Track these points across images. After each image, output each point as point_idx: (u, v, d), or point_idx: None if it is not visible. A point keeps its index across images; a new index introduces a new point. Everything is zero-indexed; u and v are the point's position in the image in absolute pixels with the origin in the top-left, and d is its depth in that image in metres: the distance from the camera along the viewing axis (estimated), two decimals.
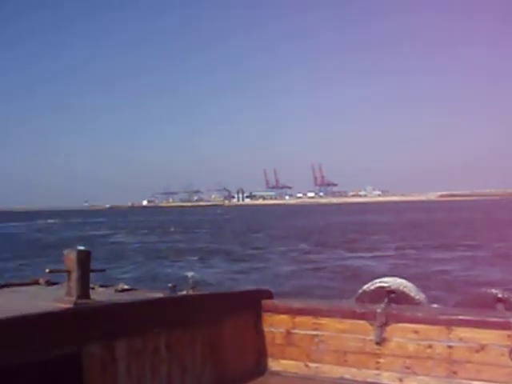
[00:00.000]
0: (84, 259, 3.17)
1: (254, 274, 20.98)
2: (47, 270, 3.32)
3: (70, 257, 3.15)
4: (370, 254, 26.15)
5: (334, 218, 67.98)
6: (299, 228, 49.25)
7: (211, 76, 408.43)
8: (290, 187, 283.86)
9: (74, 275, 3.13)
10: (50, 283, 4.07)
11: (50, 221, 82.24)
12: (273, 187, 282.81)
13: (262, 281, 17.76)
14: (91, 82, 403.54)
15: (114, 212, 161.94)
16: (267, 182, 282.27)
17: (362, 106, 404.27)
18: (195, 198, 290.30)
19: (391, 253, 26.79)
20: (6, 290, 3.90)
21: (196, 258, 26.36)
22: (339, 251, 27.89)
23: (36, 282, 4.13)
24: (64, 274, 3.24)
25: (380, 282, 3.98)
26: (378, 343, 3.61)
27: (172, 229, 53.81)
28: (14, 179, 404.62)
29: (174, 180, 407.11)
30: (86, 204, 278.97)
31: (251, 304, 4.03)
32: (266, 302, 4.06)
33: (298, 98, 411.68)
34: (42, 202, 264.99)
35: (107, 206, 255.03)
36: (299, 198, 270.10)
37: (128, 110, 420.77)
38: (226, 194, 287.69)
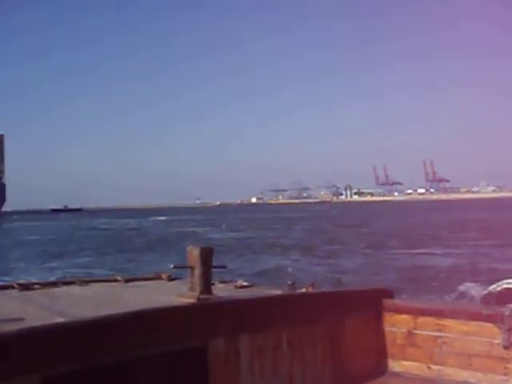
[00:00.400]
0: (206, 256, 3.24)
1: (322, 267, 21.39)
2: (172, 266, 3.45)
3: (193, 253, 3.23)
4: (447, 251, 25.64)
5: (437, 215, 65.71)
6: (392, 225, 48.41)
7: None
8: (400, 183, 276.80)
9: (197, 271, 3.21)
10: (171, 278, 4.26)
11: (160, 218, 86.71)
12: (383, 183, 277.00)
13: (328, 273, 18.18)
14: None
15: (222, 209, 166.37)
16: (377, 179, 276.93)
17: (476, 94, 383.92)
18: (304, 194, 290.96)
19: (465, 250, 25.99)
20: (130, 284, 4.08)
21: (277, 252, 27.18)
22: (423, 249, 27.26)
23: (159, 277, 4.32)
24: (187, 269, 3.35)
25: (507, 284, 3.74)
26: (505, 347, 3.41)
27: (275, 226, 54.58)
28: (131, 179, 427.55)
29: (284, 177, 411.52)
30: (198, 202, 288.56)
31: (372, 303, 3.95)
32: (386, 301, 3.98)
33: (411, 93, 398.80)
34: (158, 201, 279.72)
35: (217, 203, 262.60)
36: (409, 194, 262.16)
37: (238, 110, 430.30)
38: (334, 190, 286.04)
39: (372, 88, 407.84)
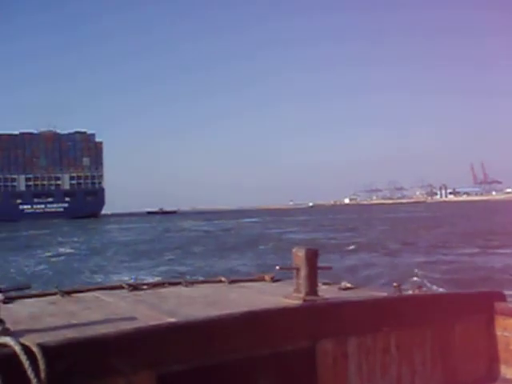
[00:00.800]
0: (312, 257, 3.23)
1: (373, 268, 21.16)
2: (277, 267, 3.47)
3: (299, 254, 3.24)
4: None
5: None
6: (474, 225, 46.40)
7: None
8: (499, 182, 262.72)
9: (303, 272, 3.21)
10: (274, 280, 4.30)
11: (251, 220, 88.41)
12: (480, 182, 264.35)
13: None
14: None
15: (315, 210, 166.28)
16: (474, 177, 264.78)
17: None
18: (398, 195, 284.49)
19: None
20: (235, 285, 4.15)
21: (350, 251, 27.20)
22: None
23: (262, 279, 4.37)
24: (291, 271, 3.38)
25: None
26: None
27: (350, 226, 54.42)
28: (227, 181, 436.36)
29: (378, 177, 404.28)
30: (291, 203, 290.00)
31: (483, 306, 3.76)
32: (499, 305, 3.76)
33: None
34: (253, 203, 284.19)
35: (310, 204, 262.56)
36: (508, 193, 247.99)
37: (340, 108, 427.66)
38: (429, 190, 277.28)
39: (478, 86, 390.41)
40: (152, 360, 2.42)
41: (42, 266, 27.15)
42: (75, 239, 49.61)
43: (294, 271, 3.28)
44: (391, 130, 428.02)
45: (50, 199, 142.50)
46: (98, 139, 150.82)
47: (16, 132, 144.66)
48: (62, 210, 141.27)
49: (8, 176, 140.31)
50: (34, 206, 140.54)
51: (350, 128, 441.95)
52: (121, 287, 3.96)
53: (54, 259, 30.80)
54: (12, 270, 25.29)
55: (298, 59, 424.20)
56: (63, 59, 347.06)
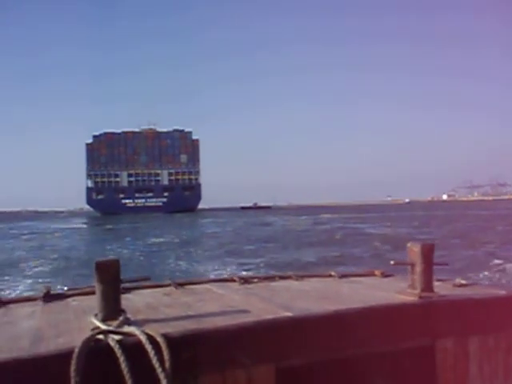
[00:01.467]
0: (428, 252, 3.13)
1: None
2: (392, 262, 3.29)
3: (414, 249, 3.15)
4: None
5: None
6: None
7: None
8: None
9: (418, 268, 3.11)
10: (385, 275, 4.17)
11: (327, 215, 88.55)
12: None
13: None
14: None
15: (410, 206, 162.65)
16: None
17: None
18: (503, 191, 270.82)
19: None
20: (345, 280, 4.06)
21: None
22: None
23: (372, 274, 4.26)
24: (404, 266, 3.27)
25: None
26: None
27: (416, 223, 53.40)
28: (326, 177, 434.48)
29: (479, 173, 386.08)
30: (389, 198, 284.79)
31: None
32: None
33: None
34: (350, 198, 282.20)
35: (406, 200, 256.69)
36: None
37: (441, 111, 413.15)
38: None
39: None
40: (272, 353, 2.44)
41: (133, 254, 29.51)
42: (170, 231, 52.34)
43: (409, 267, 3.19)
44: (494, 121, 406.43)
45: (150, 194, 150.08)
46: (194, 137, 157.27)
47: (119, 131, 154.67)
48: (160, 204, 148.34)
49: (112, 172, 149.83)
50: (135, 201, 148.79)
51: (451, 121, 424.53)
52: (232, 280, 4.03)
53: (146, 249, 33.19)
54: (96, 256, 27.74)
55: None
56: (161, 63, 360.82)
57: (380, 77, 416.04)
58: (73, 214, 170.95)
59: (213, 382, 2.32)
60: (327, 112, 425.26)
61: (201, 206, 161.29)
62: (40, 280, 20.02)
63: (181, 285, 3.88)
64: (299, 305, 2.95)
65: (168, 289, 3.78)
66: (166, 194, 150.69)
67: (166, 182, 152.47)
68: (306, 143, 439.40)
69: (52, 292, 3.58)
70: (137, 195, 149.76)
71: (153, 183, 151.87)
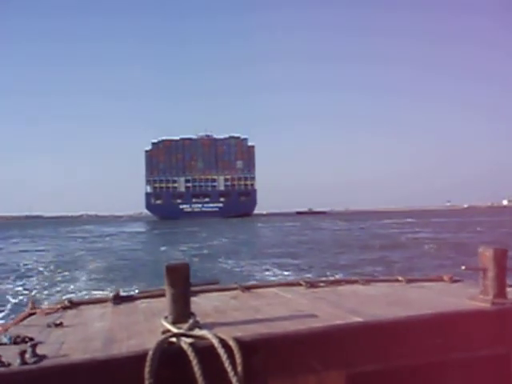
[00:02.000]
0: (501, 257, 3.02)
1: None
2: (463, 268, 3.20)
3: (486, 254, 3.05)
4: None
5: None
6: None
7: None
8: None
9: (490, 273, 3.02)
10: (453, 280, 4.07)
11: (386, 221, 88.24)
12: None
13: None
14: None
15: (468, 212, 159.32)
16: None
17: None
18: None
19: None
20: (413, 285, 4.00)
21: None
22: None
23: (440, 279, 4.16)
24: (472, 272, 3.22)
25: None
26: None
27: (478, 228, 52.79)
28: (383, 182, 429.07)
29: None
30: (448, 204, 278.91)
31: None
32: None
33: None
34: (409, 203, 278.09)
35: (465, 206, 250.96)
36: None
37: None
38: None
39: None
40: (343, 359, 2.41)
41: (186, 255, 31.32)
42: (224, 235, 54.26)
43: (480, 272, 3.10)
44: None
45: (207, 199, 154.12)
46: (250, 143, 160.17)
47: (177, 138, 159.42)
48: (217, 209, 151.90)
49: (170, 178, 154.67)
50: (192, 206, 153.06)
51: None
52: (298, 284, 4.04)
53: (199, 251, 34.79)
54: (160, 258, 29.53)
55: None
56: (216, 72, 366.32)
57: (438, 78, 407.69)
58: (132, 219, 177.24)
59: None
60: (385, 115, 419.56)
61: (257, 211, 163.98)
62: (95, 276, 22.15)
63: (247, 288, 3.94)
64: (368, 310, 2.92)
65: (235, 292, 3.85)
66: (222, 199, 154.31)
67: (222, 188, 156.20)
68: (364, 147, 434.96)
69: (121, 294, 3.74)
70: (194, 200, 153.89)
71: (209, 189, 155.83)
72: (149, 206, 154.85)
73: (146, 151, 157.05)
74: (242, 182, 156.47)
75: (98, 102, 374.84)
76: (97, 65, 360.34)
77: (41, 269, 26.45)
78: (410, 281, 4.14)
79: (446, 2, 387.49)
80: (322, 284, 4.03)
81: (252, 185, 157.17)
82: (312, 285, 3.97)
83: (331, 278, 4.88)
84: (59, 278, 22.06)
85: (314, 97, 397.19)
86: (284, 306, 3.20)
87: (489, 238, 37.02)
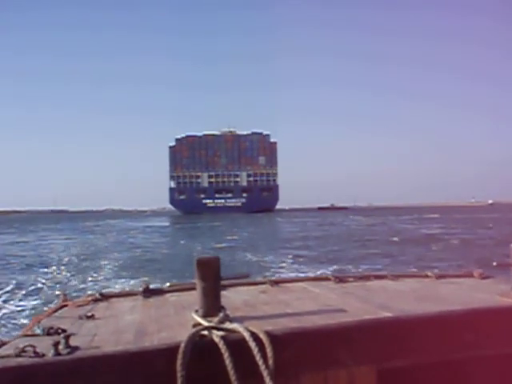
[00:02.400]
0: None
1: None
2: (494, 264, 3.20)
3: None
4: None
5: None
6: None
7: None
8: None
9: None
10: (483, 276, 4.02)
11: (404, 217, 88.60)
12: None
13: None
14: None
15: (492, 209, 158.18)
16: None
17: None
18: None
19: None
20: (442, 281, 3.95)
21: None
22: None
23: (470, 275, 4.12)
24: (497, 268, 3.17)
25: None
26: None
27: (490, 225, 52.92)
28: (409, 178, 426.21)
29: None
30: (473, 200, 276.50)
31: None
32: None
33: None
34: (433, 199, 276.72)
35: (489, 202, 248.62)
36: None
37: None
38: None
39: None
40: (373, 354, 2.38)
41: (205, 248, 32.89)
42: (245, 229, 56.03)
43: None
44: None
45: (229, 195, 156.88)
46: (272, 139, 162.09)
47: (200, 134, 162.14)
48: (239, 204, 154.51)
49: (193, 173, 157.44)
50: (215, 201, 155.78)
51: None
52: (327, 279, 4.02)
53: (219, 244, 36.32)
54: (177, 252, 31.37)
55: None
56: (241, 69, 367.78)
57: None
58: (155, 213, 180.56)
59: (314, 381, 2.31)
60: (409, 111, 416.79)
61: (279, 206, 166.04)
62: (120, 268, 23.55)
63: (276, 283, 3.94)
64: (398, 305, 2.90)
65: (264, 287, 3.85)
66: (244, 194, 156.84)
67: (244, 183, 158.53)
68: (387, 142, 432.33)
69: (151, 287, 3.76)
70: (217, 195, 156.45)
71: (232, 184, 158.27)
72: (172, 201, 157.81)
73: (170, 147, 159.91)
74: (265, 178, 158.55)
75: (122, 94, 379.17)
76: (123, 55, 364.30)
77: (68, 259, 28.13)
78: (439, 277, 4.09)
79: (447, 1, 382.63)
80: (350, 279, 4.02)
81: (274, 180, 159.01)
82: (341, 280, 3.96)
83: (360, 273, 4.93)
84: (86, 270, 23.32)
85: (337, 93, 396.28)
86: (313, 300, 3.22)
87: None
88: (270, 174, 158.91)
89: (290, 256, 26.69)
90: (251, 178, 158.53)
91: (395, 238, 37.37)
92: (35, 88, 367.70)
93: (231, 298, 3.34)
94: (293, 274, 19.31)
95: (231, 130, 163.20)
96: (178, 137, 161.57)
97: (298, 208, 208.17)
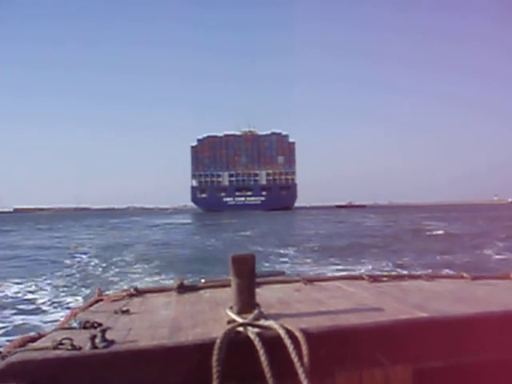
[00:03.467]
0: None
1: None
2: None
3: None
4: None
5: None
6: None
7: None
8: None
9: None
10: None
11: (423, 215, 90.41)
12: None
13: None
14: None
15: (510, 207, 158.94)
16: None
17: None
18: None
19: None
20: (478, 282, 3.93)
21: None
22: None
23: (507, 277, 4.09)
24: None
25: None
26: None
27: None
28: (429, 177, 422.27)
29: None
30: (496, 198, 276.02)
31: None
32: None
33: None
34: (453, 197, 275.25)
35: (510, 200, 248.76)
36: None
37: None
38: None
39: None
40: (409, 354, 2.34)
41: (217, 243, 35.40)
42: (260, 225, 58.91)
43: None
44: None
45: (249, 193, 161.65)
46: (291, 139, 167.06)
47: (221, 134, 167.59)
48: (259, 202, 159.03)
49: (214, 172, 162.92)
50: (236, 199, 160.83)
51: None
52: (361, 278, 4.01)
53: (234, 238, 39.61)
54: (195, 245, 34.33)
55: None
56: (257, 69, 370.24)
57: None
58: (177, 211, 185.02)
59: (349, 380, 2.27)
60: (428, 111, 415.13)
61: (298, 204, 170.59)
62: (147, 262, 24.62)
63: (310, 281, 3.93)
64: (434, 306, 2.86)
65: (297, 285, 3.83)
66: (264, 193, 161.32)
67: (264, 182, 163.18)
68: (410, 140, 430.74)
69: (185, 284, 3.79)
70: (237, 194, 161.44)
71: (252, 183, 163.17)
72: (194, 199, 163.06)
73: (192, 147, 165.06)
74: (283, 177, 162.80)
75: (145, 92, 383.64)
76: (144, 46, 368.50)
77: (99, 252, 30.03)
78: (475, 278, 4.06)
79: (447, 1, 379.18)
80: (384, 279, 4.01)
81: (292, 179, 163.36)
82: (375, 279, 3.94)
83: (394, 273, 4.95)
84: (116, 263, 24.22)
85: (354, 91, 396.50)
86: (347, 299, 3.17)
87: None
88: (289, 173, 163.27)
89: (295, 248, 29.61)
90: (270, 177, 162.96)
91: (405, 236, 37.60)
92: (62, 83, 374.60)
93: (265, 295, 3.28)
94: (288, 263, 22.00)
95: (251, 129, 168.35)
96: (200, 137, 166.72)
97: (317, 206, 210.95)
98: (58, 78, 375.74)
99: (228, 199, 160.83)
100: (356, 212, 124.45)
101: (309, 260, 23.86)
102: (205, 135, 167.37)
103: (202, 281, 4.03)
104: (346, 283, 3.85)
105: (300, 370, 2.04)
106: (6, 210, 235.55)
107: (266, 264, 21.12)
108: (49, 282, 18.64)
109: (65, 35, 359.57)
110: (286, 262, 22.99)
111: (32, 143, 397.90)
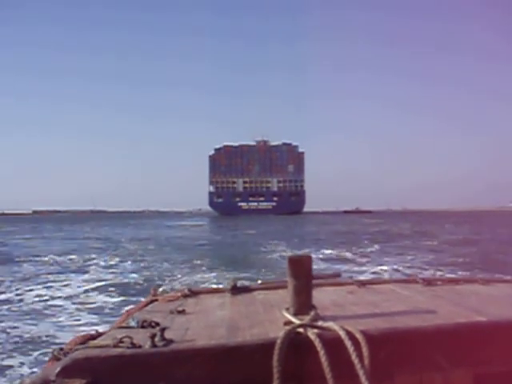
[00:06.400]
0: None
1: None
2: None
3: None
4: None
5: None
6: None
7: None
8: None
9: None
10: None
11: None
12: None
13: None
14: None
15: None
16: None
17: None
18: None
19: None
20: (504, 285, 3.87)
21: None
22: None
23: None
24: None
25: None
26: None
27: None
28: (440, 182, 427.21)
29: None
30: (511, 204, 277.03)
31: None
32: None
33: None
34: (466, 203, 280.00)
35: None
36: None
37: None
38: None
39: None
40: (470, 358, 2.29)
41: (228, 240, 40.92)
42: (268, 226, 66.31)
43: None
44: None
45: (262, 198, 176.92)
46: (300, 149, 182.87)
47: (236, 144, 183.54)
48: (271, 207, 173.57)
49: (230, 179, 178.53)
50: (249, 204, 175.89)
51: None
52: (414, 281, 3.97)
53: (239, 237, 44.74)
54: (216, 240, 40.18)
55: None
56: (270, 83, 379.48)
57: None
58: (193, 214, 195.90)
59: (409, 383, 2.24)
60: (445, 117, 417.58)
61: (307, 209, 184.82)
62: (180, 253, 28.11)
63: (363, 284, 3.91)
64: (491, 310, 2.79)
65: (351, 287, 3.81)
66: (275, 198, 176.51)
67: (275, 189, 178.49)
68: (421, 144, 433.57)
69: (238, 285, 3.81)
70: (250, 199, 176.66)
71: (264, 189, 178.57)
72: (211, 204, 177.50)
73: (210, 156, 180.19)
74: (293, 184, 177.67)
75: (160, 99, 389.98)
76: (160, 58, 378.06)
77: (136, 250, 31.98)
78: (488, 281, 3.92)
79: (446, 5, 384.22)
80: (439, 282, 3.94)
81: (301, 186, 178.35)
82: (429, 282, 3.86)
83: (448, 276, 4.83)
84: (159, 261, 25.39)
85: (361, 105, 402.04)
86: (402, 302, 3.12)
87: None
88: (298, 181, 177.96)
89: (285, 243, 34.00)
90: (281, 184, 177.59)
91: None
92: (75, 88, 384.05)
93: (319, 297, 3.10)
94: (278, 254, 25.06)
95: (264, 139, 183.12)
96: (217, 147, 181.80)
97: (325, 211, 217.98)
98: (83, 88, 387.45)
99: (242, 204, 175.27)
100: (358, 218, 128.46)
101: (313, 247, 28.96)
102: (221, 145, 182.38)
103: (259, 282, 4.17)
104: (400, 286, 3.82)
105: (361, 372, 2.02)
106: (25, 211, 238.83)
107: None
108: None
109: (91, 45, 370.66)
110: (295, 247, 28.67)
111: (47, 148, 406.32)
